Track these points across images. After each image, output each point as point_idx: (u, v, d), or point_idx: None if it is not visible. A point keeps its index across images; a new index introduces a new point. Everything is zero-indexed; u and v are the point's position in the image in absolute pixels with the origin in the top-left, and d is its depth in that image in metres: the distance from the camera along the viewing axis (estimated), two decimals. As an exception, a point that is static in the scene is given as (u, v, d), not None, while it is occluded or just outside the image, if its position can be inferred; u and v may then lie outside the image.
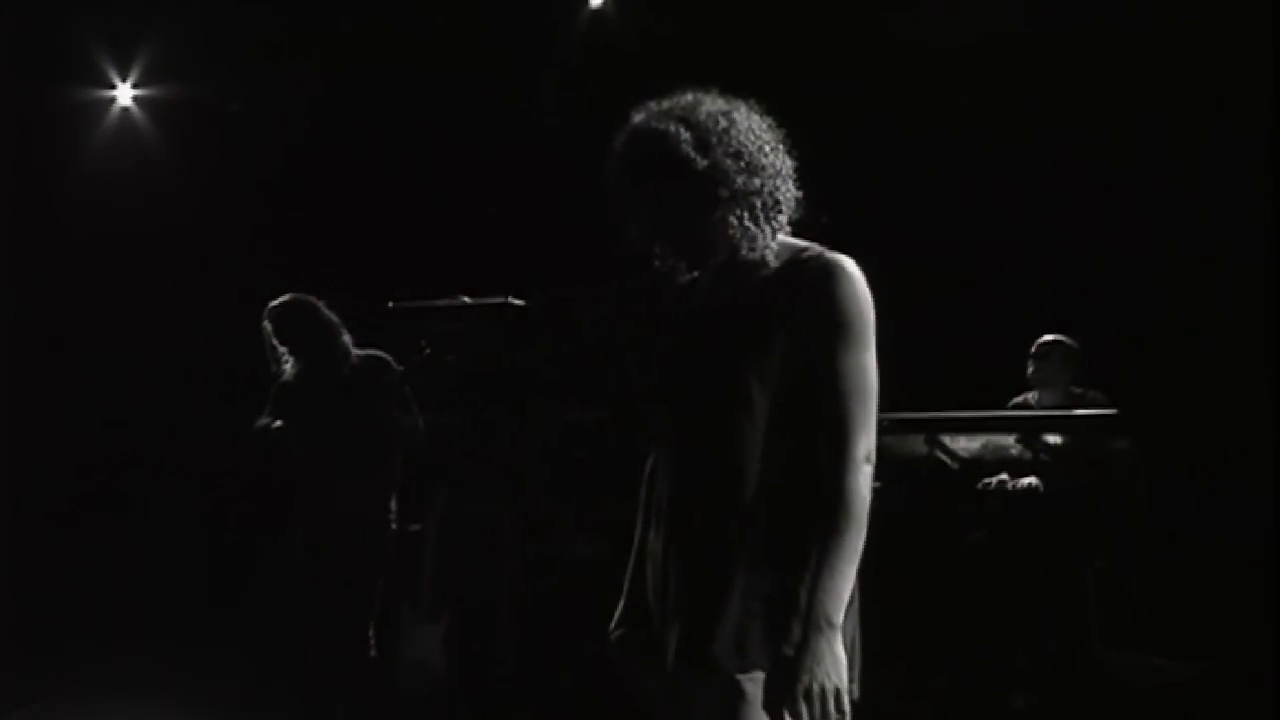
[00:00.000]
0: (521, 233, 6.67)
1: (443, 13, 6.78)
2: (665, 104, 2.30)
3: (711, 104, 2.29)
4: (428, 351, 4.69)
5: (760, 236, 2.27)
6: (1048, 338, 5.78)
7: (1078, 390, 5.68)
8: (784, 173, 2.31)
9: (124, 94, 7.54)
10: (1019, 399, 5.84)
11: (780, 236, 2.32)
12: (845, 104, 5.94)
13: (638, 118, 2.30)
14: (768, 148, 2.29)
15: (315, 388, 4.89)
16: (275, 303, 4.91)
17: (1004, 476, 5.50)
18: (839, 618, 2.16)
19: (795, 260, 2.27)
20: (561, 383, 5.72)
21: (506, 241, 6.56)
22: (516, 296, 4.67)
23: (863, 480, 2.17)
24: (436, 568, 5.31)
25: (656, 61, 6.00)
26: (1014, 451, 5.40)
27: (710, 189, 2.24)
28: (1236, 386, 5.65)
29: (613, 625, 2.49)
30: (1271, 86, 5.61)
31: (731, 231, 2.26)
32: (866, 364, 2.20)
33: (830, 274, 2.21)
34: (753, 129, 2.29)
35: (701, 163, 2.22)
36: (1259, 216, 5.66)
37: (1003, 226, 6.18)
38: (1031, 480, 5.48)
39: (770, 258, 2.29)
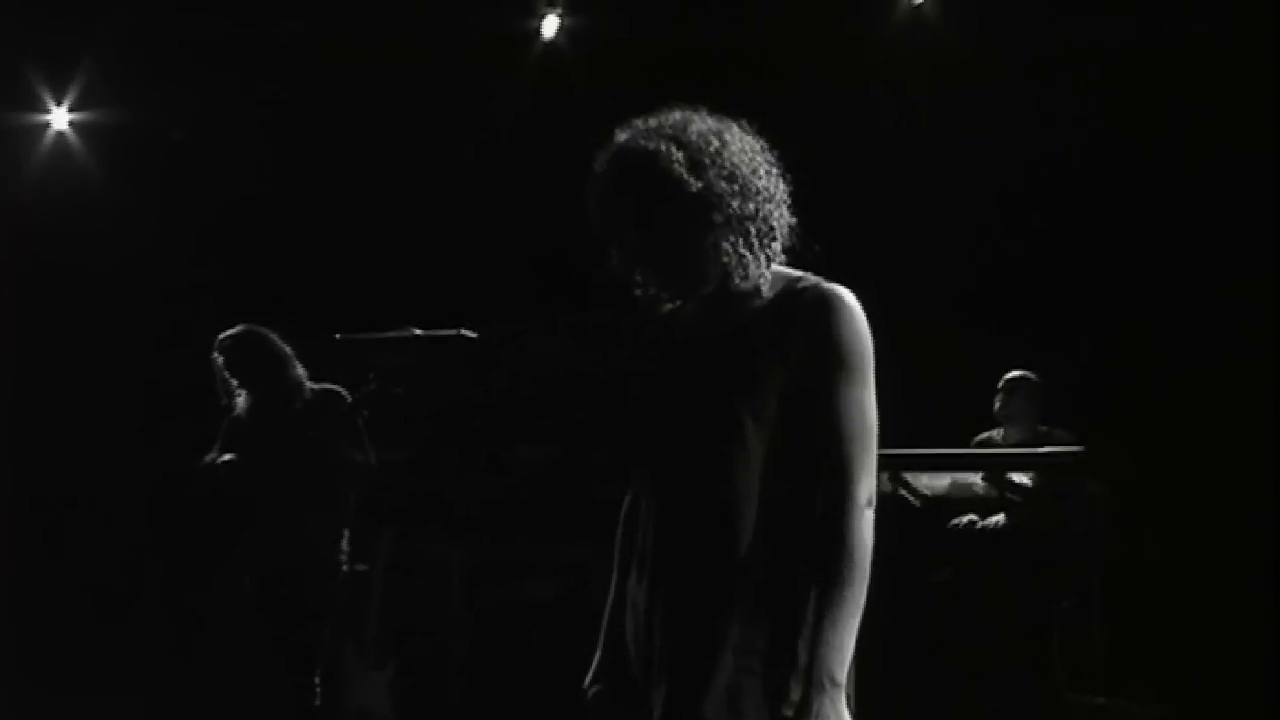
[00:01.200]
0: (476, 263, 6.58)
1: (394, 43, 6.76)
2: (653, 121, 2.19)
3: (702, 123, 2.19)
4: (374, 386, 4.57)
5: (754, 265, 2.17)
6: (1014, 373, 5.78)
7: (1043, 428, 5.66)
8: (778, 197, 2.22)
9: (59, 118, 7.37)
10: (984, 435, 5.82)
11: (774, 266, 2.23)
12: (802, 134, 5.86)
13: (624, 136, 2.19)
14: (762, 170, 2.20)
15: (267, 422, 4.79)
16: (226, 334, 4.80)
17: (973, 517, 5.46)
18: (842, 675, 2.04)
19: (790, 291, 2.19)
20: (515, 418, 5.66)
21: (460, 272, 6.47)
22: (469, 329, 4.53)
23: (865, 526, 2.08)
24: (382, 611, 5.17)
25: (609, 94, 5.87)
26: (980, 489, 5.37)
27: (703, 213, 2.14)
28: (1204, 427, 5.63)
29: (588, 680, 2.34)
30: (1240, 118, 5.62)
31: (725, 259, 2.15)
32: (866, 401, 2.12)
33: (828, 306, 2.13)
34: (746, 150, 2.20)
35: (694, 184, 2.12)
36: (1230, 253, 5.67)
37: (968, 259, 6.14)
38: (998, 519, 5.43)
39: (764, 288, 2.19)
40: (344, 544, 4.82)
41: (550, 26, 7.04)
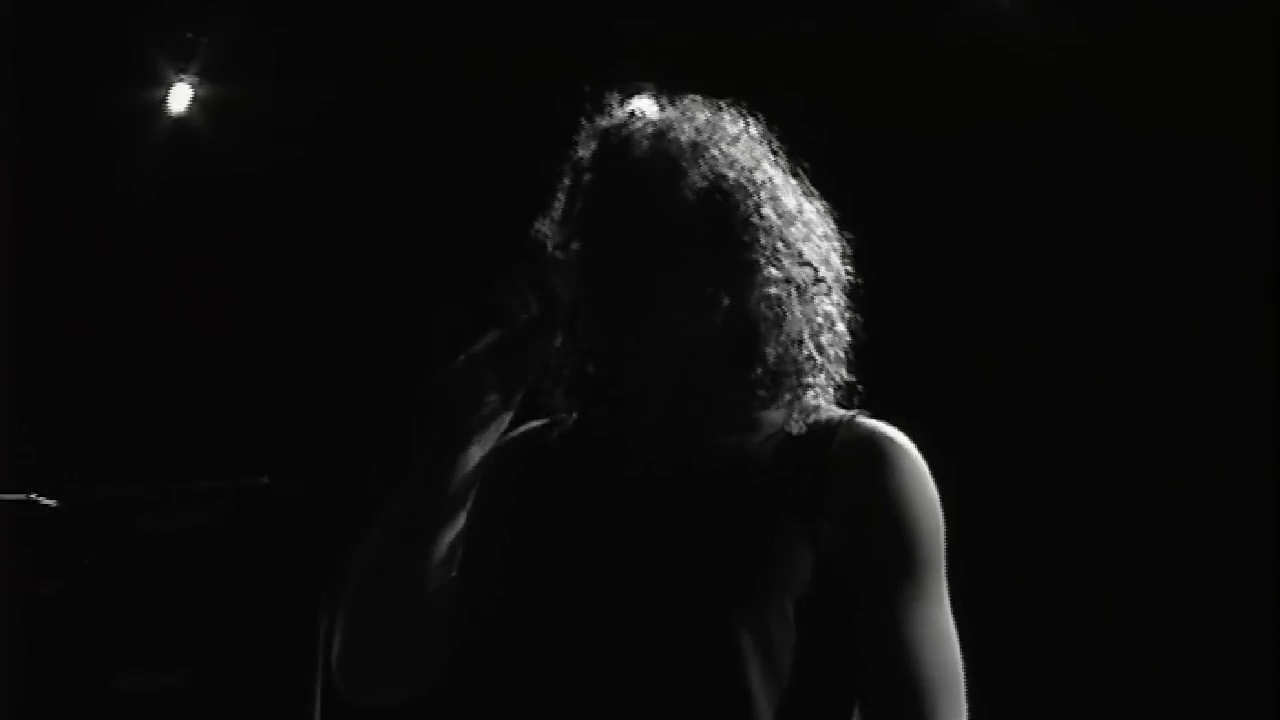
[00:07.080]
0: (59, 395, 5.38)
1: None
2: (686, 114, 1.58)
3: (749, 138, 1.60)
4: None
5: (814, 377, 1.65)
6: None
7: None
8: (840, 276, 1.67)
9: None
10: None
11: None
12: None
13: (644, 121, 1.57)
14: (822, 230, 1.66)
15: None
16: None
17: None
18: None
19: (818, 426, 1.58)
20: (118, 631, 4.70)
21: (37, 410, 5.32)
22: (44, 493, 3.76)
23: None
24: None
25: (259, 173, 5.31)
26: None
27: (749, 271, 1.56)
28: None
29: None
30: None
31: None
32: (946, 623, 1.51)
33: (883, 459, 1.53)
34: (803, 192, 1.64)
35: (766, 221, 1.56)
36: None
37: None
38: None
39: (789, 417, 1.58)
40: None
41: (181, 98, 5.99)
